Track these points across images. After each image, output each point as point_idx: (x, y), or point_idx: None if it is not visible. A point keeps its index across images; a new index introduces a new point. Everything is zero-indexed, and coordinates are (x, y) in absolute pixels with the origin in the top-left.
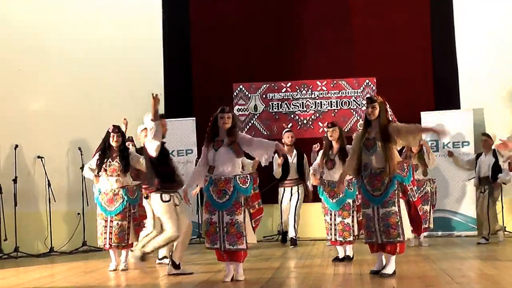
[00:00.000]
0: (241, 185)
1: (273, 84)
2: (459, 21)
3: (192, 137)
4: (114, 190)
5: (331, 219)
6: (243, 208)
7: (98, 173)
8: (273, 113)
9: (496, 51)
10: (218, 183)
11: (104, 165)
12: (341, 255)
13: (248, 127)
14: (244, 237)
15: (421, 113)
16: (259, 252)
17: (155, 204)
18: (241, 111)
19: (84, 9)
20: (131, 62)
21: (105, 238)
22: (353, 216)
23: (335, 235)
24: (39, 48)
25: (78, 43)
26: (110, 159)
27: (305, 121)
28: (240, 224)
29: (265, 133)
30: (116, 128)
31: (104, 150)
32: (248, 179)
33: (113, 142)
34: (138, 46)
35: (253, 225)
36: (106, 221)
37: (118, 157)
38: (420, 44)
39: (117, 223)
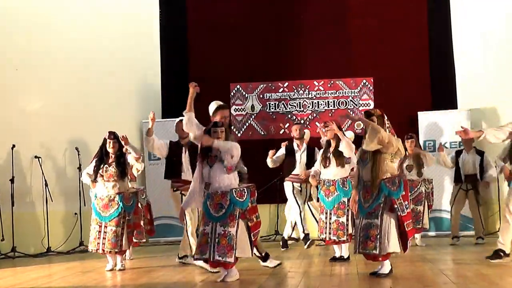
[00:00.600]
0: (237, 198)
1: (270, 84)
2: (456, 21)
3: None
4: (110, 196)
5: (326, 218)
6: (237, 221)
7: (95, 179)
8: (270, 113)
9: (493, 51)
10: (215, 197)
11: (100, 171)
12: (337, 255)
13: (245, 127)
14: (234, 251)
15: (418, 113)
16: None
17: None
18: (238, 111)
19: (82, 9)
20: (129, 62)
21: (98, 243)
22: (347, 215)
23: (329, 233)
24: (37, 48)
25: (75, 43)
26: (106, 165)
27: (302, 121)
28: (232, 236)
29: (262, 133)
30: (112, 135)
31: (101, 157)
32: (245, 192)
33: (109, 149)
34: (136, 47)
35: (253, 239)
36: (100, 226)
37: (114, 163)
38: (417, 44)
39: (111, 229)
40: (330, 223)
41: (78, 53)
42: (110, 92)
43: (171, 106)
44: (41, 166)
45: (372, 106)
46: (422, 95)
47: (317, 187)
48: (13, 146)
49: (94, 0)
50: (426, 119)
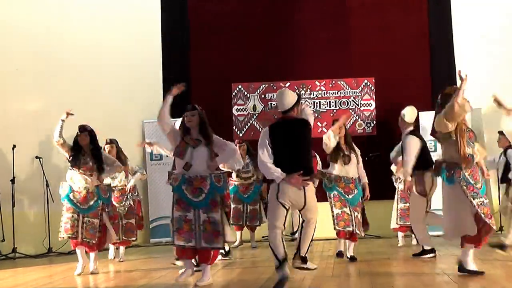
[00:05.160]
0: (216, 183)
1: (272, 84)
2: (457, 21)
3: None
4: (88, 189)
5: (350, 211)
6: (219, 206)
7: (71, 167)
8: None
9: (494, 51)
10: (194, 181)
11: (78, 162)
12: (342, 249)
13: (247, 127)
14: (222, 236)
15: (419, 113)
16: (258, 252)
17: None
18: (240, 111)
19: (83, 9)
20: (130, 62)
21: (76, 232)
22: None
23: (355, 227)
24: (38, 48)
25: (77, 44)
26: (83, 157)
27: None
28: (218, 222)
29: None
30: (82, 128)
31: (76, 148)
32: (222, 178)
33: (80, 142)
34: (137, 47)
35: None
36: (78, 215)
37: (90, 156)
38: (418, 44)
39: (89, 220)
40: (355, 217)
41: (79, 54)
42: (111, 92)
43: (172, 107)
44: (42, 166)
45: (373, 106)
46: (423, 95)
47: (321, 182)
48: (14, 146)
49: (95, 2)
50: (427, 119)
